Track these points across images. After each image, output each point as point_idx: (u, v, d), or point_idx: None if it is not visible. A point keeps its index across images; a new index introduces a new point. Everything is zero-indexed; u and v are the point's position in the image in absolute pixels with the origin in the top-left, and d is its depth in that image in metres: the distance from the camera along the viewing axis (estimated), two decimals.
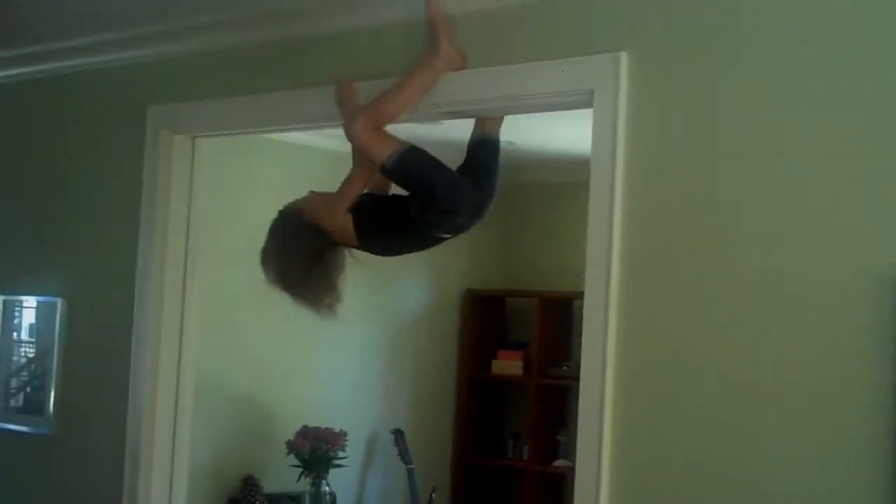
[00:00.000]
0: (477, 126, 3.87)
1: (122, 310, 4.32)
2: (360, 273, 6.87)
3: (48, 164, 4.79)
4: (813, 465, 2.79)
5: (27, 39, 4.53)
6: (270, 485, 6.28)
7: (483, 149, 3.84)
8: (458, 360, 7.66)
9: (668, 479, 3.04)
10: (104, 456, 4.35)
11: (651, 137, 3.11)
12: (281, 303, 6.32)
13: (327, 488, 6.36)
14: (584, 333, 3.24)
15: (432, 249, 7.11)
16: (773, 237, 2.89)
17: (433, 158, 3.53)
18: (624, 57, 3.13)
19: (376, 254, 3.89)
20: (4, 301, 4.90)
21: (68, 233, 4.68)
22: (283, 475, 6.31)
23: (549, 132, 6.35)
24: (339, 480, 6.53)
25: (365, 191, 3.71)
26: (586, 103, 3.25)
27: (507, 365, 7.51)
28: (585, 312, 3.23)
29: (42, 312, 4.75)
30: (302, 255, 3.73)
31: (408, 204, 3.61)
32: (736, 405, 2.92)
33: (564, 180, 7.38)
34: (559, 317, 7.39)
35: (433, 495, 7.02)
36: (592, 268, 3.22)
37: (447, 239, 3.82)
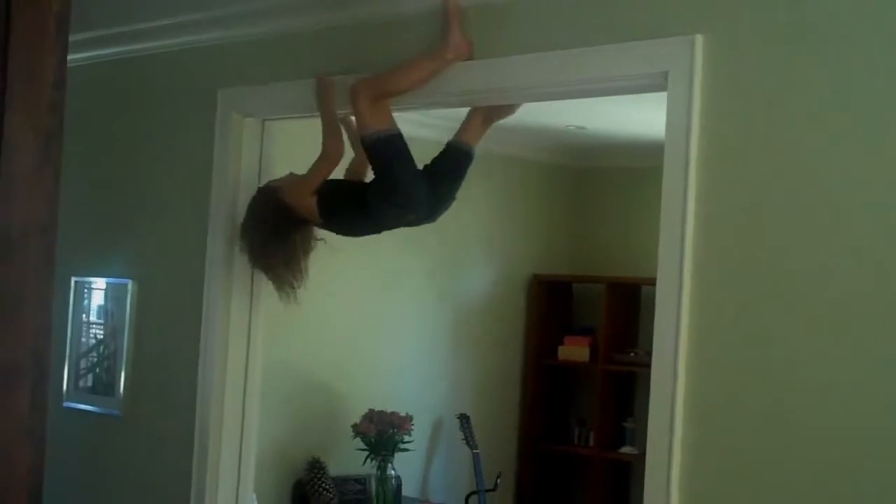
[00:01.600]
0: (458, 133, 4.00)
1: (192, 292, 4.34)
2: (426, 259, 6.92)
3: (119, 147, 4.83)
4: None
5: (99, 23, 4.56)
6: (336, 468, 6.30)
7: (456, 156, 3.98)
8: (525, 345, 7.63)
9: (741, 469, 3.00)
10: (173, 437, 4.39)
11: (726, 121, 3.05)
12: (348, 288, 6.36)
13: (393, 472, 6.37)
14: (656, 320, 3.19)
15: (498, 235, 7.12)
16: (852, 221, 2.83)
17: (409, 155, 3.70)
18: (699, 39, 3.08)
19: (338, 233, 4.07)
20: (76, 282, 4.94)
21: (139, 215, 4.71)
22: (349, 459, 6.32)
23: (619, 116, 6.29)
24: (404, 464, 6.54)
25: (333, 177, 3.95)
26: (660, 87, 3.20)
27: (574, 351, 7.47)
28: (658, 299, 3.19)
29: (112, 294, 4.79)
30: (269, 230, 3.95)
31: (370, 188, 3.81)
32: (814, 391, 2.87)
33: (634, 165, 7.32)
34: (627, 303, 7.33)
35: (499, 480, 7.01)
36: (665, 254, 3.18)
37: (398, 226, 4.01)
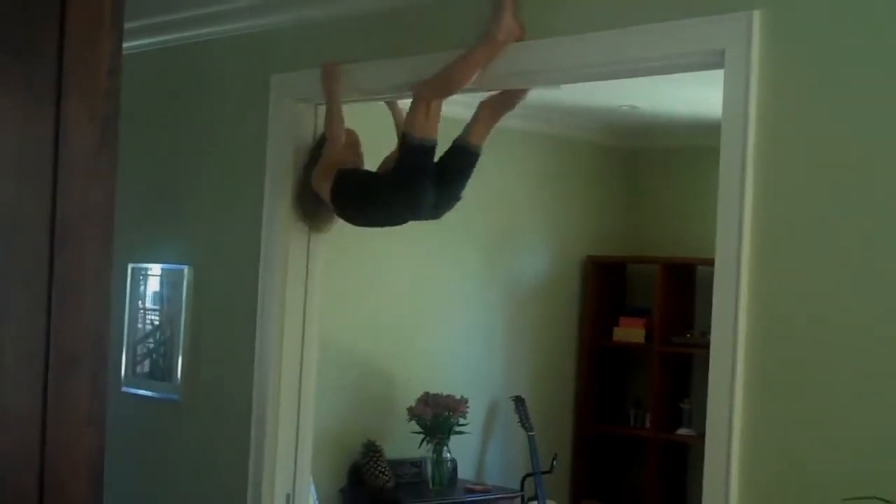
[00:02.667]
0: (465, 131, 4.03)
1: (248, 277, 4.36)
2: (480, 242, 6.91)
3: (174, 133, 4.85)
4: None
5: (153, 10, 4.58)
6: (392, 451, 6.32)
7: (462, 157, 4.01)
8: (579, 327, 7.60)
9: (802, 451, 2.97)
10: (231, 421, 4.41)
11: (785, 99, 3.01)
12: (402, 272, 6.37)
13: (448, 454, 6.38)
14: (714, 302, 3.16)
15: (552, 217, 7.09)
16: None
17: (433, 166, 3.84)
18: (757, 15, 3.03)
19: (349, 221, 4.19)
20: (132, 269, 4.98)
21: (194, 201, 4.74)
22: (405, 441, 6.34)
23: (673, 95, 6.23)
24: (460, 447, 6.54)
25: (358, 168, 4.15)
26: (717, 64, 3.15)
27: (629, 332, 7.42)
28: (716, 280, 3.15)
29: (168, 280, 4.83)
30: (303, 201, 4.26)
31: (381, 183, 3.96)
32: (875, 370, 2.83)
33: (689, 144, 7.25)
34: (682, 284, 7.27)
35: (554, 462, 7.00)
36: (723, 234, 3.14)
37: (401, 222, 4.18)
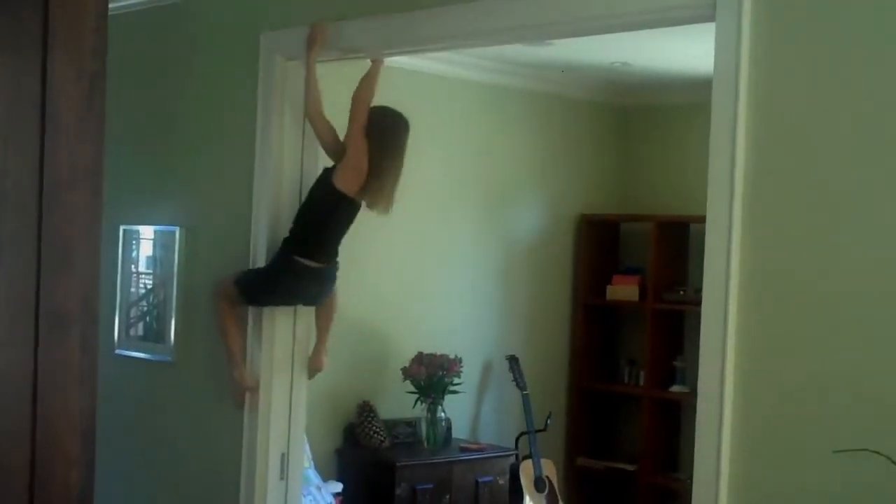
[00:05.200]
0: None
1: (240, 238, 4.35)
2: (474, 201, 6.89)
3: (163, 93, 4.83)
4: None
5: None
6: (386, 411, 6.33)
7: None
8: (573, 285, 7.60)
9: (794, 406, 2.97)
10: (225, 382, 4.41)
11: (777, 53, 2.99)
12: (396, 233, 6.36)
13: (443, 414, 6.40)
14: (706, 259, 3.16)
15: (545, 175, 7.06)
16: None
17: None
18: None
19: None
20: (124, 231, 4.97)
21: (184, 162, 4.72)
22: (399, 401, 6.35)
23: (665, 51, 6.21)
24: (454, 406, 6.56)
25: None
26: (709, 17, 3.13)
27: (623, 290, 7.43)
28: (708, 236, 3.15)
29: (161, 242, 4.82)
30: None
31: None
32: (867, 325, 2.84)
33: (681, 101, 7.23)
34: (675, 241, 7.27)
35: (549, 421, 7.02)
36: (714, 191, 3.13)
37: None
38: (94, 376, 2.11)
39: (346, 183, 4.09)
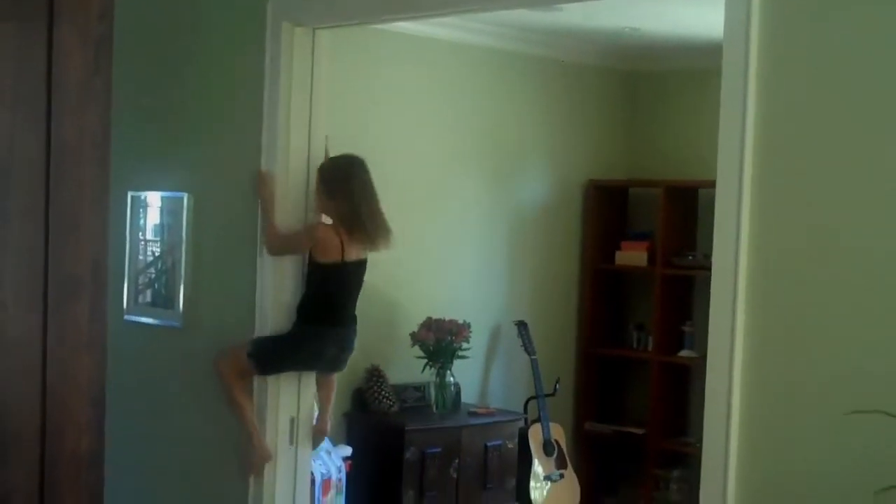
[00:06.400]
0: None
1: (247, 204, 4.35)
2: (482, 166, 6.88)
3: (171, 59, 4.81)
4: None
5: None
6: (395, 376, 6.35)
7: None
8: (581, 251, 7.59)
9: (804, 368, 2.98)
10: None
11: (788, 18, 2.97)
12: (404, 197, 6.35)
13: (451, 379, 6.41)
14: (715, 224, 3.15)
15: (554, 141, 7.04)
16: None
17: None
18: None
19: None
20: (132, 198, 4.96)
21: (192, 128, 4.71)
22: (408, 366, 6.36)
23: (675, 16, 6.17)
24: (463, 371, 6.57)
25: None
26: None
27: (631, 256, 7.42)
28: (717, 202, 3.14)
29: (168, 208, 4.81)
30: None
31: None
32: (877, 292, 2.83)
33: (690, 67, 7.19)
34: (684, 206, 7.25)
35: (557, 385, 7.04)
36: (724, 156, 3.12)
37: None
38: (104, 342, 2.11)
39: (327, 255, 4.18)
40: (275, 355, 4.24)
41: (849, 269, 2.88)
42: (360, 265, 4.32)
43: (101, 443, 2.16)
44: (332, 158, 4.30)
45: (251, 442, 4.25)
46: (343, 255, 4.18)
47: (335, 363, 4.37)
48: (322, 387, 4.50)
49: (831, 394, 2.93)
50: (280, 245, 4.22)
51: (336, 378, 4.54)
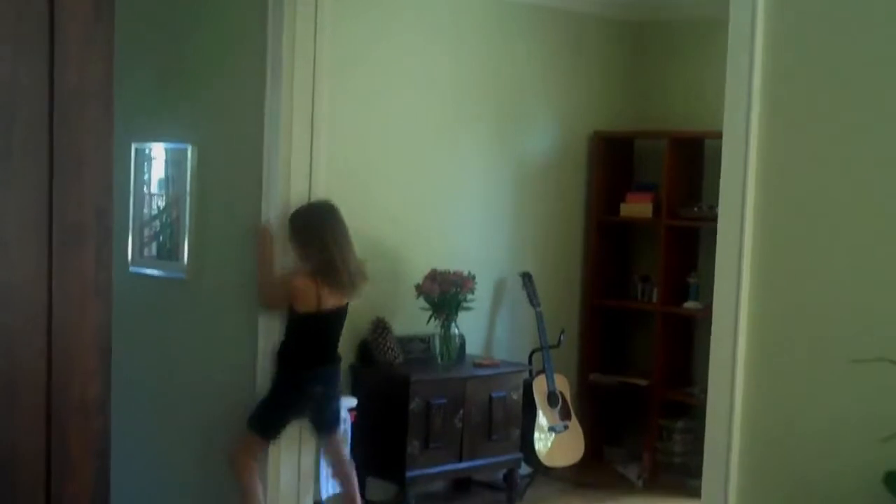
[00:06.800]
0: None
1: (251, 155, 4.33)
2: (487, 117, 6.85)
3: (174, 9, 4.78)
4: None
5: None
6: (400, 327, 6.35)
7: None
8: (586, 202, 7.57)
9: (809, 318, 2.97)
10: (238, 297, 4.43)
11: None
12: (408, 149, 6.33)
13: (456, 331, 6.41)
14: (722, 175, 3.14)
15: (559, 92, 7.00)
16: None
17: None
18: None
19: None
20: (136, 149, 4.95)
21: (196, 79, 4.68)
22: (413, 318, 6.36)
23: None
24: (468, 323, 6.58)
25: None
26: None
27: (636, 207, 7.40)
28: (724, 153, 3.13)
29: (172, 159, 4.80)
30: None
31: None
32: (882, 242, 2.82)
33: (696, 16, 7.14)
34: (690, 157, 7.22)
35: (562, 337, 7.04)
36: (731, 107, 3.11)
37: None
38: (110, 289, 2.11)
39: (304, 304, 4.22)
40: (266, 411, 4.28)
41: (855, 219, 2.87)
42: (339, 312, 4.36)
43: (107, 389, 2.17)
44: (303, 207, 4.29)
45: None
46: (320, 305, 4.22)
47: (324, 404, 4.38)
48: (328, 452, 4.54)
49: (837, 342, 2.93)
50: (272, 301, 4.29)
51: (345, 451, 4.52)
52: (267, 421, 4.25)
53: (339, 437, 4.44)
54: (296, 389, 4.24)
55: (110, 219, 2.05)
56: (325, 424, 4.39)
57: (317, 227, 4.19)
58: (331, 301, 4.23)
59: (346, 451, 4.43)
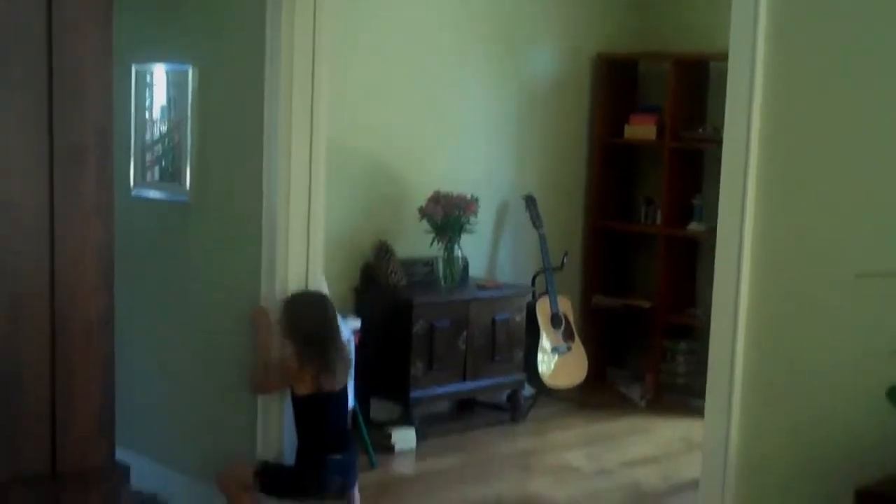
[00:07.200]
0: None
1: (253, 77, 4.30)
2: (489, 40, 6.79)
3: None
4: None
5: None
6: (403, 250, 6.36)
7: None
8: (590, 125, 7.54)
9: (815, 234, 2.98)
10: (242, 220, 4.43)
11: None
12: (411, 73, 6.29)
13: (459, 253, 6.42)
14: (728, 94, 3.13)
15: (562, 13, 6.93)
16: None
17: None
18: None
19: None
20: (136, 71, 4.92)
21: None
22: (416, 241, 6.37)
23: None
24: (471, 246, 6.58)
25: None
26: None
27: (640, 129, 7.37)
28: (730, 73, 3.12)
29: (173, 81, 4.77)
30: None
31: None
32: (886, 159, 2.81)
33: None
34: (694, 79, 7.17)
35: (565, 259, 7.05)
36: (737, 27, 3.08)
37: None
38: (111, 210, 2.10)
39: (305, 386, 4.22)
40: (281, 482, 4.30)
41: (862, 137, 2.86)
42: (340, 393, 4.34)
43: (111, 307, 2.17)
44: (290, 299, 4.29)
45: None
46: (318, 387, 4.23)
47: (341, 489, 4.37)
48: None
49: (842, 258, 2.93)
50: (265, 386, 4.31)
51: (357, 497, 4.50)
52: (274, 486, 4.30)
53: (355, 493, 4.49)
54: (313, 478, 4.27)
55: (110, 139, 2.04)
56: (343, 495, 4.45)
57: (304, 321, 4.24)
58: (327, 384, 4.25)
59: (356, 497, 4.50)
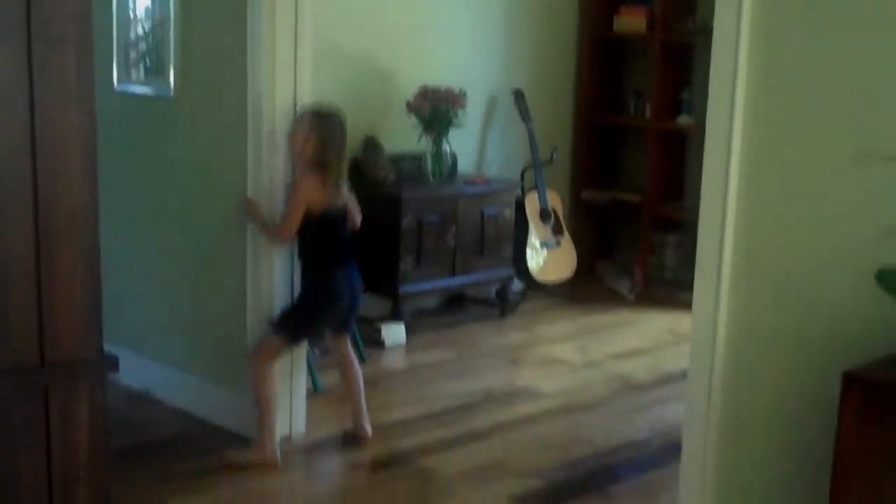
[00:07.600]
0: None
1: None
2: None
3: None
4: None
5: None
6: (391, 145, 6.32)
7: None
8: (579, 17, 7.45)
9: (808, 119, 2.97)
10: (228, 117, 4.39)
11: None
12: None
13: (448, 148, 6.39)
14: None
15: None
16: None
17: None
18: None
19: None
20: None
21: None
22: (404, 136, 6.33)
23: None
24: (459, 141, 6.55)
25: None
26: None
27: (630, 21, 7.29)
28: None
29: None
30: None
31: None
32: (882, 41, 2.79)
33: None
34: None
35: (554, 154, 7.03)
36: None
37: None
38: (92, 99, 2.07)
39: (318, 201, 4.21)
40: (298, 315, 4.32)
41: (857, 17, 2.83)
42: (343, 211, 4.35)
43: (94, 196, 2.15)
44: (324, 107, 4.30)
45: (262, 441, 4.27)
46: (329, 203, 4.25)
47: (352, 300, 4.39)
48: (343, 377, 4.55)
49: (835, 143, 2.91)
50: (286, 230, 4.26)
51: (355, 364, 4.54)
52: (296, 326, 4.32)
53: (353, 358, 4.55)
54: (325, 292, 4.30)
55: (90, 28, 1.99)
56: (343, 327, 4.49)
57: (337, 127, 4.27)
58: (335, 200, 4.27)
59: (350, 349, 4.51)
